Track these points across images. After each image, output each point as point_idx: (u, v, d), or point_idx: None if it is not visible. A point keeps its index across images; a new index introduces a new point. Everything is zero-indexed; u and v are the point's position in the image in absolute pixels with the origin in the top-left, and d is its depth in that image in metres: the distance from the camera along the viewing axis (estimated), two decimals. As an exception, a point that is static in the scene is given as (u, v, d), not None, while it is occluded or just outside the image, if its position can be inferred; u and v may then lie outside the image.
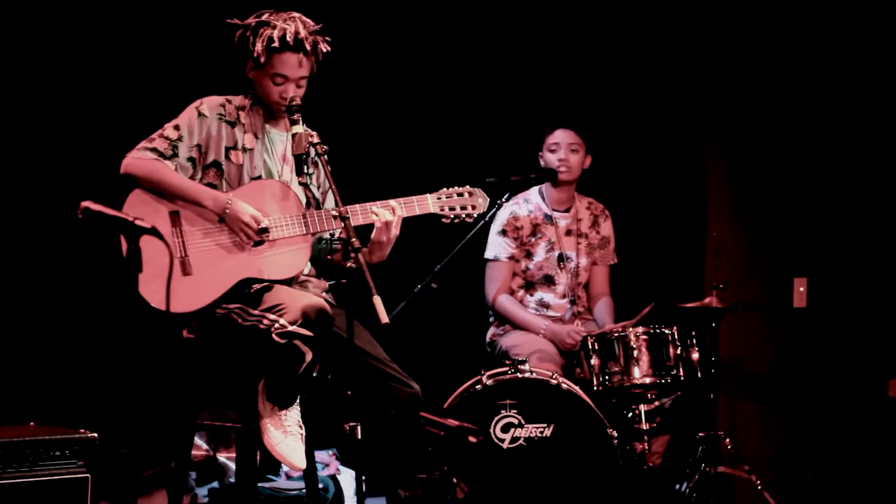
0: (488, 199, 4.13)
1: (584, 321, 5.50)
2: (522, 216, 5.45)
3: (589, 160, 5.45)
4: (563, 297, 5.46)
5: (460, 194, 4.07)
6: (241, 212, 3.87)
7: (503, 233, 5.43)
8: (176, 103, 4.03)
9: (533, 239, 5.44)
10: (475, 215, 4.08)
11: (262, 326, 3.77)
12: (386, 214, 3.95)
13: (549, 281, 5.46)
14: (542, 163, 5.44)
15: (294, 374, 3.80)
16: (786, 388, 5.99)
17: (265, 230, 3.88)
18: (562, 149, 5.36)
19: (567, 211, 5.51)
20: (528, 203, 5.49)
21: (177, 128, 3.95)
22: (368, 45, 5.64)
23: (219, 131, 3.98)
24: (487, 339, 5.53)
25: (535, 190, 5.52)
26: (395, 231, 3.97)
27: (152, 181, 3.88)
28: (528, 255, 5.45)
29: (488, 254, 5.47)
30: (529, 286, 5.47)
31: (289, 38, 3.91)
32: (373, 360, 3.97)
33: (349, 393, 3.55)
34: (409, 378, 4.01)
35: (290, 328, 3.73)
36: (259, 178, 4.00)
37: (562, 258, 5.45)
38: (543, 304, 5.47)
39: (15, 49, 5.07)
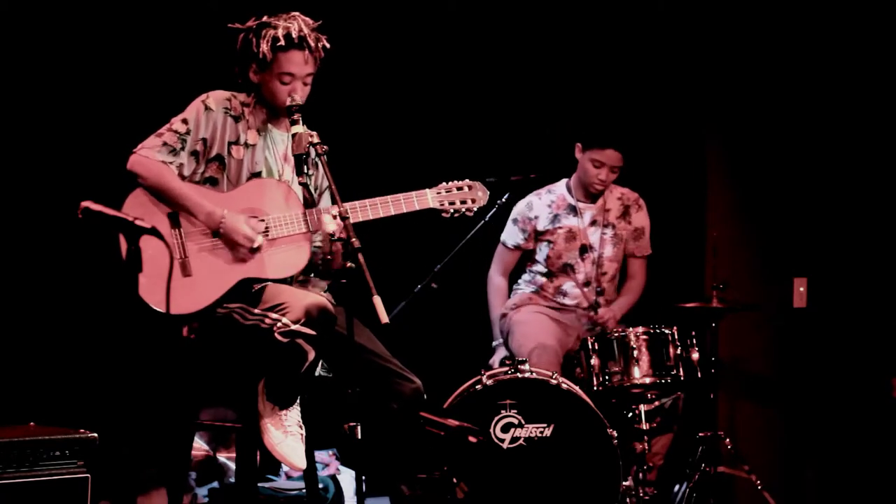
0: (488, 193, 4.10)
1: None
2: (539, 206, 5.50)
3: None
4: (584, 286, 5.48)
5: (460, 188, 4.05)
6: (235, 231, 3.84)
7: (515, 221, 5.53)
8: (175, 103, 4.02)
9: (552, 227, 5.46)
10: (475, 209, 4.06)
11: (263, 326, 3.76)
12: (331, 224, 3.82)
13: (568, 269, 5.48)
14: (577, 155, 5.45)
15: (296, 373, 3.79)
16: (786, 388, 5.99)
17: (257, 250, 3.86)
18: (605, 168, 5.38)
19: (594, 202, 5.53)
20: (551, 194, 5.54)
21: (185, 121, 3.94)
22: (369, 44, 5.64)
23: (224, 125, 3.97)
24: (501, 312, 5.56)
25: (562, 182, 5.56)
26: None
27: (155, 184, 3.86)
28: (549, 244, 5.48)
29: (502, 236, 5.58)
30: (550, 274, 5.51)
31: (294, 35, 3.91)
32: (374, 356, 3.96)
33: (350, 391, 3.53)
34: (410, 373, 4.00)
35: (294, 327, 3.72)
36: (259, 173, 3.99)
37: (584, 249, 5.47)
38: (561, 293, 5.50)
39: (15, 49, 5.07)
